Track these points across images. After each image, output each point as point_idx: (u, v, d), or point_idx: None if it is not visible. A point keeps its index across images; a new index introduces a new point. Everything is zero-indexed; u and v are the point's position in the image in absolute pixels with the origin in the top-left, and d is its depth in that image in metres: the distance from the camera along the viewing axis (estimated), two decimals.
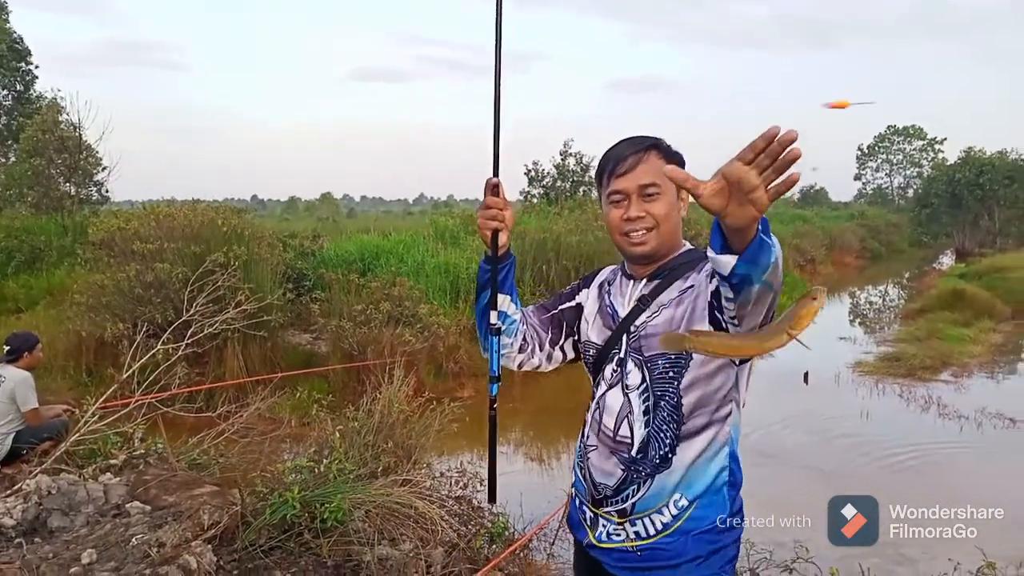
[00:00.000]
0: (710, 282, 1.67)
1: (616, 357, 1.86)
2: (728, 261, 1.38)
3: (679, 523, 1.77)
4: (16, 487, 4.48)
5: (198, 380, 8.02)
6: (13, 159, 23.54)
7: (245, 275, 8.69)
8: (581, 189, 22.09)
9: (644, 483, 1.79)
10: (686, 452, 1.76)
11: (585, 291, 2.05)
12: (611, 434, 1.84)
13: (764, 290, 1.42)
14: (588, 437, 1.92)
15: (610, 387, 1.88)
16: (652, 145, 1.81)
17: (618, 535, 1.84)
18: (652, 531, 1.79)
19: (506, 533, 4.55)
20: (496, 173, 1.89)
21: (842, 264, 30.95)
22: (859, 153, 68.17)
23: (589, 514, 1.91)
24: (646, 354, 1.80)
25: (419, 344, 8.71)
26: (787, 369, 10.20)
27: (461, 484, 5.32)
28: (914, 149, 65.63)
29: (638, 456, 1.78)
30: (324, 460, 4.32)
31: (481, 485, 5.26)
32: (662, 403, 1.77)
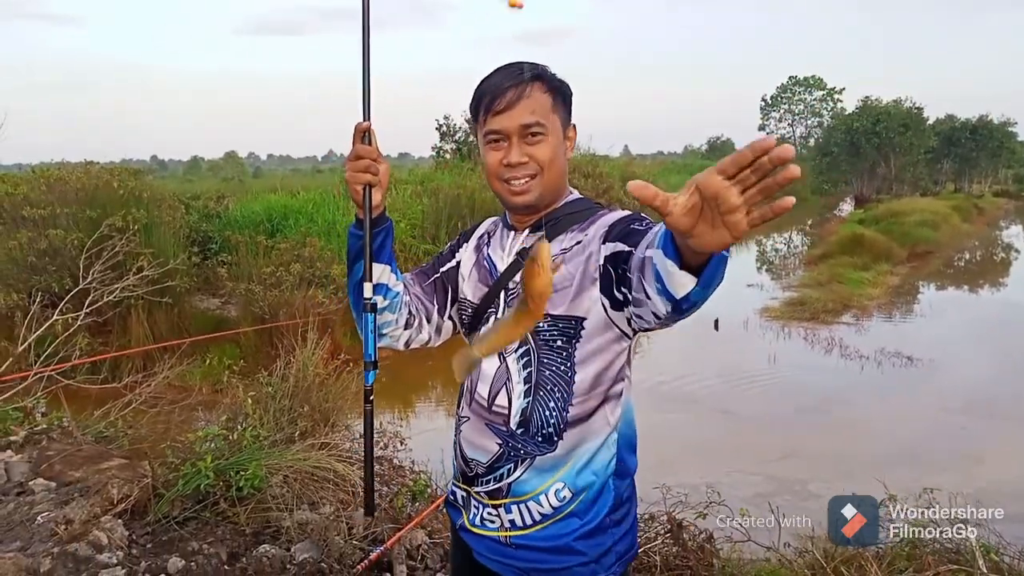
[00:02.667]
0: (603, 243, 1.48)
1: (492, 317, 1.65)
2: (684, 283, 1.15)
3: (560, 517, 1.58)
4: None
5: (101, 350, 7.68)
6: None
7: (146, 239, 8.34)
8: None
9: (521, 462, 1.58)
10: (574, 435, 1.55)
11: (464, 246, 1.81)
12: (485, 404, 1.62)
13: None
14: (462, 408, 1.71)
15: None
16: (536, 76, 1.53)
17: (492, 521, 1.65)
18: (528, 521, 1.60)
19: (428, 491, 4.56)
20: (367, 117, 1.61)
21: None
22: (762, 104, 69.81)
23: (460, 493, 1.73)
24: None
25: (333, 305, 8.56)
26: (698, 316, 10.51)
27: (381, 444, 5.29)
28: (815, 99, 67.59)
29: (517, 431, 1.58)
30: (238, 427, 4.23)
31: (402, 444, 5.25)
32: (548, 373, 1.55)
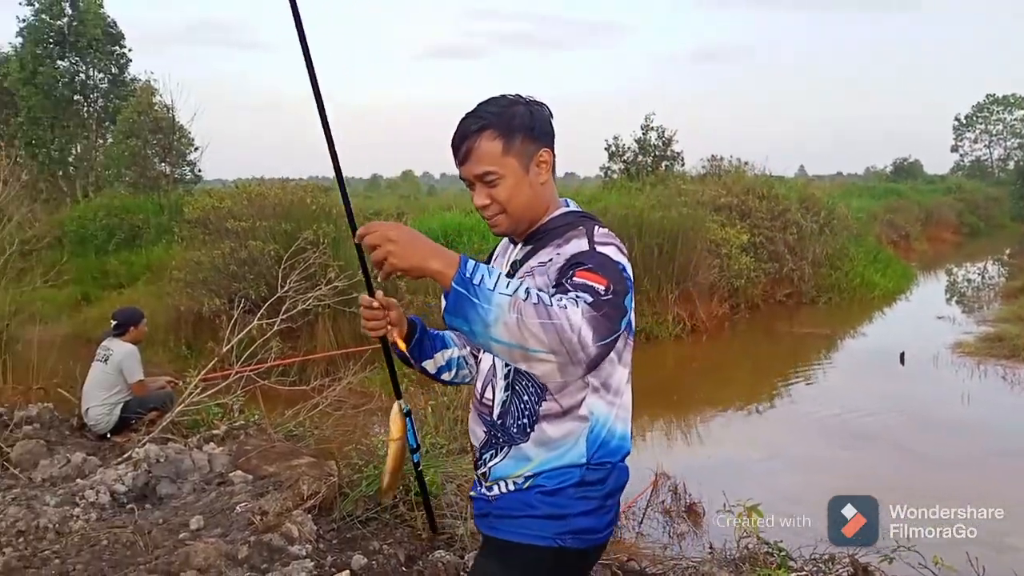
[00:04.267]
0: (556, 270, 1.64)
1: None
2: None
3: (529, 485, 1.74)
4: (126, 455, 4.71)
5: (291, 354, 8.24)
6: (111, 140, 24.53)
7: (334, 252, 8.87)
8: (663, 164, 21.76)
9: (501, 450, 1.77)
10: (547, 427, 1.71)
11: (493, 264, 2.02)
12: (479, 396, 1.84)
13: (506, 350, 1.45)
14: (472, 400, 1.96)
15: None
16: (483, 126, 1.69)
17: (486, 490, 1.84)
18: (504, 489, 1.78)
19: None
20: (370, 291, 1.79)
21: (938, 240, 29.67)
22: (956, 123, 65.04)
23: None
24: None
25: None
26: (881, 349, 9.86)
27: None
28: (1015, 119, 62.25)
29: (498, 421, 1.77)
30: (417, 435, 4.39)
31: None
32: (522, 371, 1.71)
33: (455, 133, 1.72)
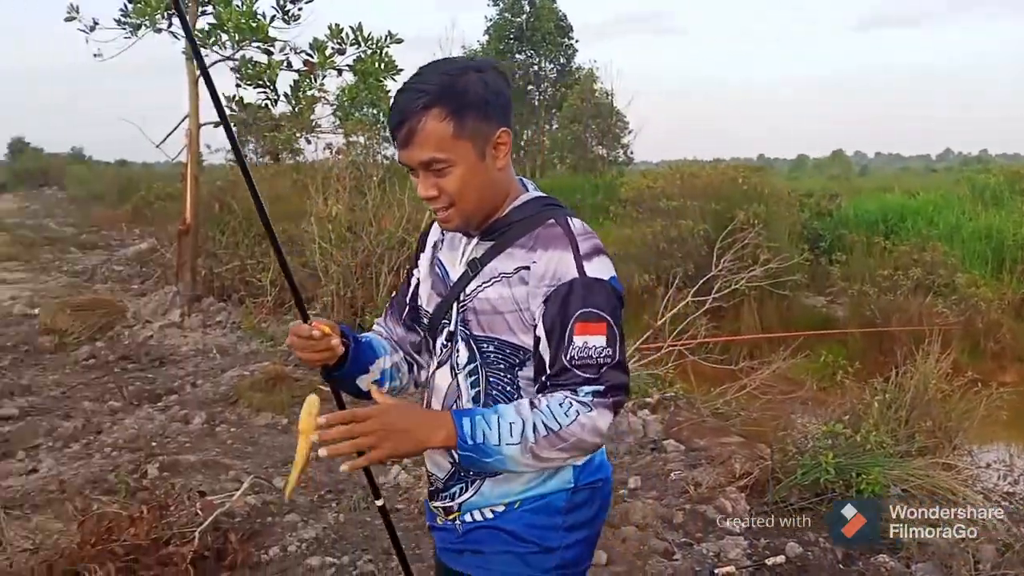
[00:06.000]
0: (543, 309, 1.41)
1: (446, 329, 1.58)
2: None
3: (507, 513, 1.54)
4: None
5: (714, 333, 8.33)
6: (556, 126, 26.92)
7: (770, 234, 8.73)
8: None
9: (471, 484, 1.55)
10: None
11: (422, 257, 1.71)
12: None
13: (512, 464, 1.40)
14: None
15: (440, 364, 1.60)
16: (428, 103, 1.37)
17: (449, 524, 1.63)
18: (480, 518, 1.56)
19: None
20: (304, 317, 1.52)
21: None
22: None
23: (429, 501, 1.70)
24: (474, 331, 1.51)
25: (954, 317, 7.84)
26: None
27: (1010, 480, 4.68)
28: None
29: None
30: (861, 429, 4.15)
31: None
32: (495, 393, 1.51)
33: (392, 108, 1.42)
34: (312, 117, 7.82)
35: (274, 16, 7.22)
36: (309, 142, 8.24)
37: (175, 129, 7.98)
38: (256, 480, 3.86)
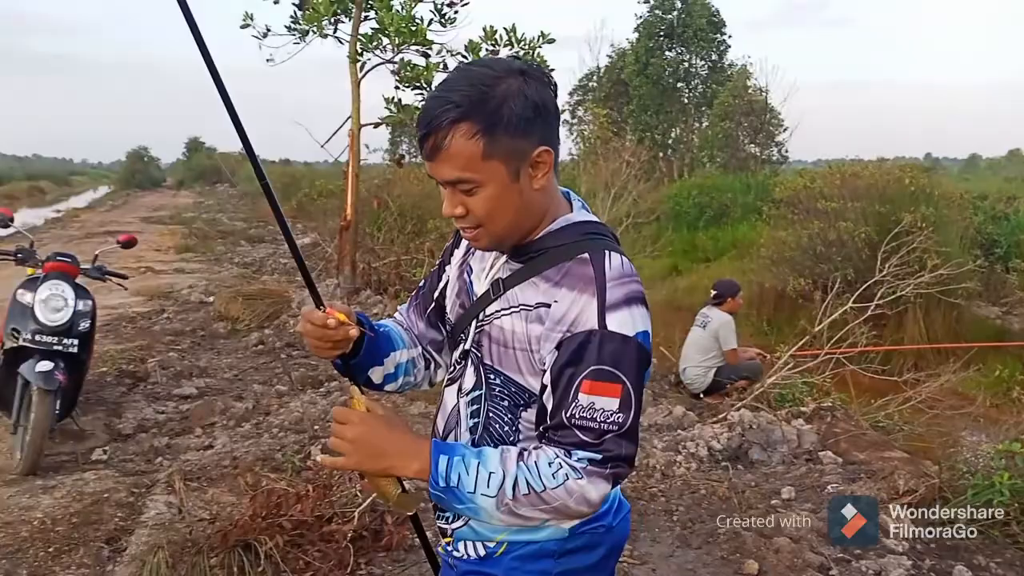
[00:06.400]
0: (555, 354, 1.26)
1: (461, 345, 1.45)
2: None
3: (503, 549, 1.38)
4: (721, 416, 5.07)
5: (875, 342, 7.90)
6: (706, 124, 26.35)
7: (941, 238, 8.20)
8: None
9: (460, 516, 1.40)
10: None
11: (456, 251, 1.56)
12: (440, 438, 1.47)
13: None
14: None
15: (450, 380, 1.49)
16: (458, 117, 1.21)
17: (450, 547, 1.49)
18: (473, 554, 1.42)
19: None
20: (317, 302, 1.38)
21: None
22: None
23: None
24: (484, 359, 1.37)
25: None
26: None
27: None
28: None
29: None
30: None
31: None
32: (493, 428, 1.38)
33: (421, 115, 1.27)
34: None
35: (431, 20, 7.45)
36: None
37: (338, 130, 8.38)
38: None
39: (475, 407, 1.40)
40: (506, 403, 1.36)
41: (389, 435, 1.28)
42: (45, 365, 3.95)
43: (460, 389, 1.43)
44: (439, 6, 7.42)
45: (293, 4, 7.98)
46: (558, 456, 1.23)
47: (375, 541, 3.29)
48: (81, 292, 4.27)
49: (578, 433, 1.23)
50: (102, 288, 5.20)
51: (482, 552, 1.40)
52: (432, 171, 1.27)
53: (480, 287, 1.41)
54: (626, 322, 1.23)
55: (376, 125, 8.18)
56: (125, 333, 7.27)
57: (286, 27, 8.10)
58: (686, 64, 27.25)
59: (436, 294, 1.56)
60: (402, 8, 7.22)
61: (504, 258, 1.37)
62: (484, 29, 7.22)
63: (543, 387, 1.28)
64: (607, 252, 1.28)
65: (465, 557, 1.43)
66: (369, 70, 7.84)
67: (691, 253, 16.03)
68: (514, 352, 1.32)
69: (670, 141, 27.03)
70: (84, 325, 4.23)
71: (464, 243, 1.50)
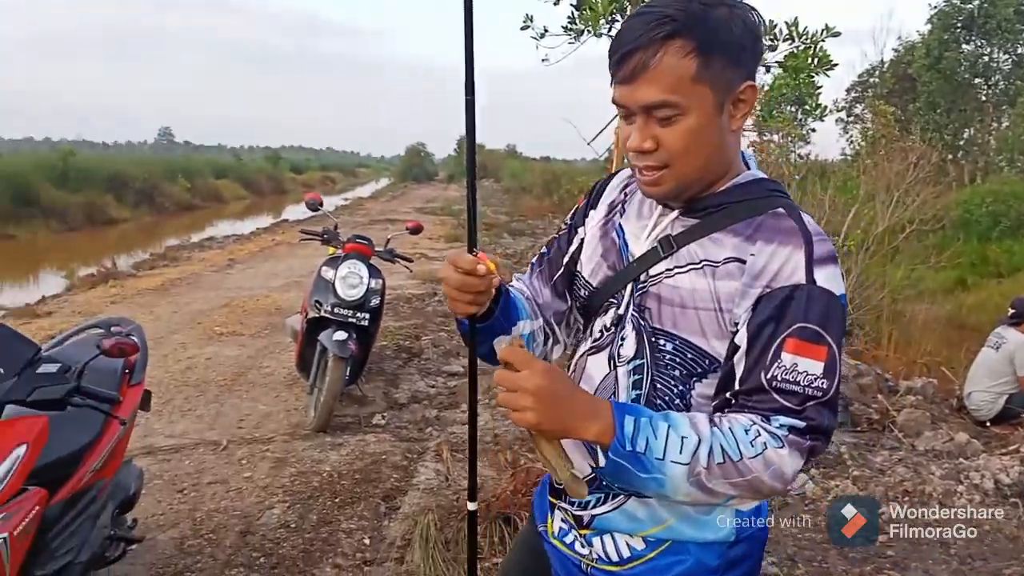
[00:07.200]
0: (750, 314, 1.13)
1: (612, 311, 1.31)
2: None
3: (658, 552, 1.26)
4: (1012, 448, 4.55)
5: None
6: (1006, 124, 23.56)
7: None
8: None
9: (613, 497, 1.28)
10: None
11: (591, 215, 1.42)
12: None
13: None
14: None
15: (596, 348, 1.33)
16: (673, 31, 1.09)
17: (580, 545, 1.35)
18: (616, 557, 1.29)
19: None
20: (472, 244, 1.27)
21: None
22: None
23: (548, 499, 1.45)
24: (652, 322, 1.24)
25: None
26: None
27: None
28: None
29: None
30: None
31: None
32: (660, 402, 1.24)
33: (622, 35, 1.13)
34: None
35: None
36: None
37: (605, 127, 8.52)
38: None
39: (637, 377, 1.26)
40: (678, 372, 1.22)
41: (570, 391, 1.11)
42: (341, 335, 4.43)
43: (615, 357, 1.29)
44: None
45: (571, 5, 8.23)
46: (754, 424, 1.10)
47: None
48: (374, 272, 4.73)
49: (778, 397, 1.11)
50: (386, 269, 5.73)
51: (626, 552, 1.28)
52: (627, 96, 1.14)
53: (640, 247, 1.28)
54: (834, 279, 1.13)
55: None
56: (402, 312, 7.93)
57: (562, 27, 8.37)
58: (985, 58, 24.51)
59: (566, 259, 1.43)
60: None
61: (675, 214, 1.25)
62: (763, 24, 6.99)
63: (734, 348, 1.16)
64: (800, 210, 1.20)
65: (602, 557, 1.30)
66: None
67: (981, 267, 14.47)
68: (696, 312, 1.19)
69: (961, 142, 24.47)
70: (375, 301, 4.68)
71: (605, 204, 1.39)
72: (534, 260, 1.51)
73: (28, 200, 19.52)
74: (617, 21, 8.22)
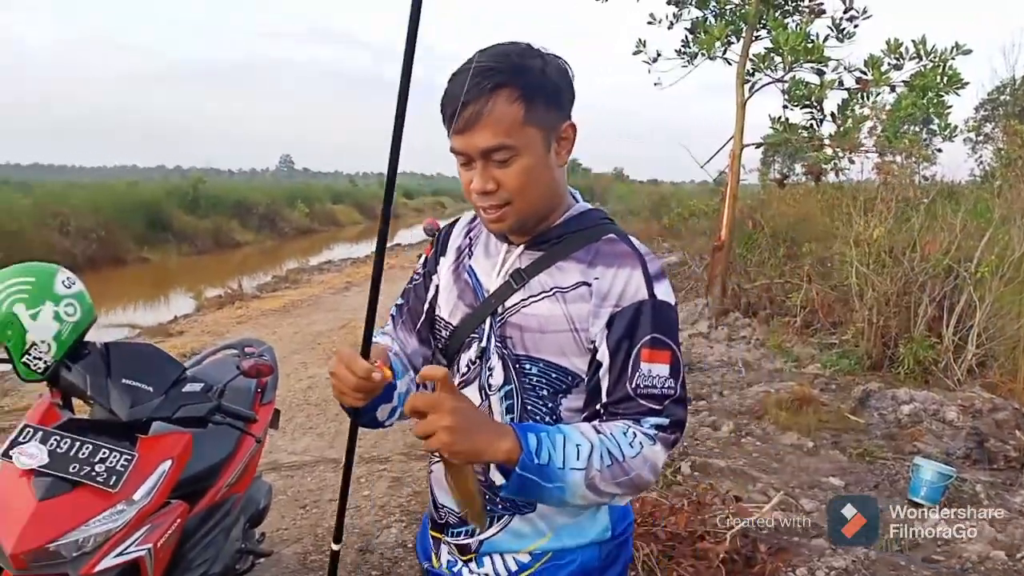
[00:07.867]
0: (606, 333, 1.26)
1: (475, 345, 1.38)
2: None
3: (538, 565, 1.37)
4: None
5: None
6: None
7: None
8: None
9: (497, 520, 1.37)
10: None
11: (443, 260, 1.50)
12: None
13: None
14: None
15: (465, 382, 1.39)
16: (500, 83, 1.20)
17: (468, 572, 1.42)
18: (505, 574, 1.38)
19: None
20: (367, 348, 1.26)
21: None
22: None
23: (431, 535, 1.50)
24: (515, 350, 1.32)
25: None
26: None
27: None
28: None
29: (495, 483, 1.23)
30: None
31: None
32: (532, 418, 1.34)
33: (453, 84, 1.22)
34: (857, 136, 7.55)
35: (828, 35, 7.15)
36: (852, 162, 7.95)
37: (720, 150, 8.40)
38: (785, 497, 3.88)
39: (509, 401, 1.36)
40: (545, 392, 1.33)
41: (479, 413, 1.19)
42: None
43: (485, 387, 1.37)
44: (837, 21, 7.11)
45: (686, 29, 8.18)
46: (630, 427, 1.23)
47: (747, 567, 3.24)
48: None
49: (644, 402, 1.24)
50: None
51: (513, 567, 1.38)
52: (466, 144, 1.24)
53: (493, 283, 1.38)
54: (668, 291, 1.29)
55: (759, 145, 8.08)
56: None
57: (676, 51, 8.33)
58: None
59: (426, 306, 1.51)
60: (797, 26, 7.03)
61: (520, 248, 1.36)
62: (887, 42, 6.76)
63: (596, 364, 1.28)
64: (628, 235, 1.34)
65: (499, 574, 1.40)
66: (756, 90, 7.75)
67: None
68: (555, 335, 1.30)
69: None
70: None
71: (453, 249, 1.49)
72: (393, 312, 1.58)
73: (162, 225, 20.75)
74: (732, 43, 8.14)
